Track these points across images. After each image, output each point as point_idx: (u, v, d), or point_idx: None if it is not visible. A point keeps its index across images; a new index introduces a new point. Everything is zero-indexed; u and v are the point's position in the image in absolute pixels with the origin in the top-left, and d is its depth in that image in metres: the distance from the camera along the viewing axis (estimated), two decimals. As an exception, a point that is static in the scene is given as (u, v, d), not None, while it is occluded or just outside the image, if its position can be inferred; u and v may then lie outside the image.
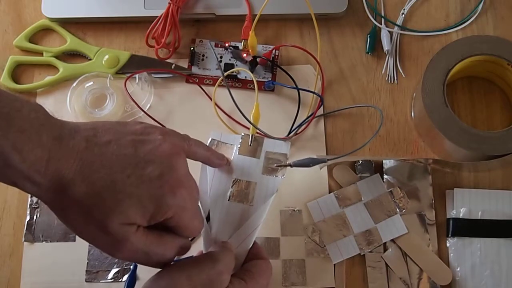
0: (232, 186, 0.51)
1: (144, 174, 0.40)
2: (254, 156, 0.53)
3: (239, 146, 0.53)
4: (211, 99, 0.62)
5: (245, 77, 0.63)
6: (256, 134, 0.54)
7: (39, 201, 0.60)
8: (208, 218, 0.51)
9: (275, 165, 0.52)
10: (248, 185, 0.51)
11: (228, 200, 0.51)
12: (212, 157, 0.50)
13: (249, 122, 0.55)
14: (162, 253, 0.43)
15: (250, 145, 0.53)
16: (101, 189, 0.39)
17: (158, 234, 0.42)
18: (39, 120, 0.38)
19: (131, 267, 0.51)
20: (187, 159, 0.45)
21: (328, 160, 0.54)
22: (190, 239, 0.47)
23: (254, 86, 0.62)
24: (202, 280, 0.43)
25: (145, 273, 0.46)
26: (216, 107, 0.61)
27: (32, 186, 0.38)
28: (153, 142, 0.42)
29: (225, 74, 0.62)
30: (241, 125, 0.61)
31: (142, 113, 0.61)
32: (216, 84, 0.62)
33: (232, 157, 0.53)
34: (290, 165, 0.53)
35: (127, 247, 0.40)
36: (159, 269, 0.44)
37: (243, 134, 0.54)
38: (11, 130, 0.37)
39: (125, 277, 0.57)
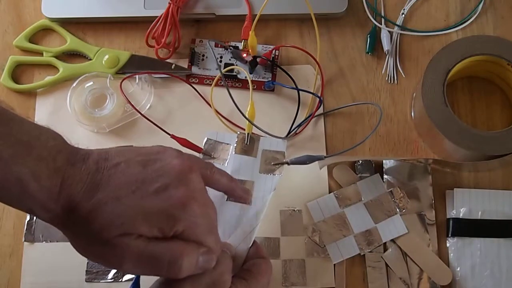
0: None
1: (151, 188, 0.39)
2: (251, 155, 0.53)
3: (235, 145, 0.53)
4: (206, 102, 0.62)
5: (245, 77, 0.63)
6: (252, 133, 0.54)
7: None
8: None
9: (272, 163, 0.53)
10: (246, 184, 0.51)
11: (227, 200, 0.51)
12: (236, 189, 0.48)
13: (245, 117, 0.55)
14: (172, 256, 0.40)
15: (246, 144, 0.53)
16: (104, 206, 0.38)
17: (167, 239, 0.40)
18: (56, 147, 0.39)
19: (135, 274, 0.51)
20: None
21: (325, 157, 0.54)
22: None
23: (254, 86, 0.63)
24: (206, 282, 0.43)
25: (148, 282, 0.46)
26: (215, 107, 0.61)
27: (47, 214, 0.39)
28: (164, 160, 0.41)
29: (223, 71, 0.62)
30: (240, 127, 0.61)
31: (142, 112, 0.61)
32: (214, 83, 0.62)
33: (228, 157, 0.53)
34: (287, 163, 0.53)
35: (129, 254, 0.39)
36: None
37: (238, 133, 0.54)
38: (30, 158, 0.37)
39: (125, 278, 0.57)
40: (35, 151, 0.38)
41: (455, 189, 0.57)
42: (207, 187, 0.45)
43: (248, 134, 0.54)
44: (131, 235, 0.39)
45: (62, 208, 0.38)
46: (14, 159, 0.37)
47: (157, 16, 0.63)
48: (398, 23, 0.65)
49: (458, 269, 0.55)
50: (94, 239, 0.38)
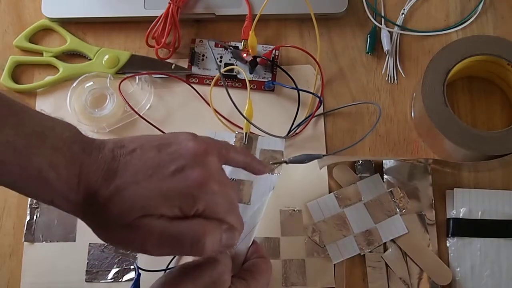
0: None
1: (167, 171, 0.40)
2: None
3: (233, 144, 0.53)
4: (206, 102, 0.62)
5: (245, 77, 0.63)
6: (251, 132, 0.54)
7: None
8: None
9: (271, 162, 0.53)
10: (244, 184, 0.51)
11: None
12: (253, 163, 0.48)
13: (243, 115, 0.55)
14: (195, 235, 0.39)
15: (244, 143, 0.54)
16: (123, 192, 0.39)
17: (188, 218, 0.40)
18: (71, 137, 0.39)
19: (135, 275, 0.51)
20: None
21: (323, 155, 0.54)
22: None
23: (254, 86, 0.63)
24: (205, 282, 0.43)
25: (149, 281, 0.46)
26: (215, 107, 0.61)
27: (67, 204, 0.39)
28: (179, 144, 0.41)
29: (222, 71, 0.62)
30: (239, 127, 0.61)
31: (142, 112, 0.61)
32: (213, 83, 0.62)
33: None
34: (286, 162, 0.53)
35: (152, 235, 0.39)
36: (161, 276, 0.44)
37: (237, 132, 0.54)
38: (45, 148, 0.37)
39: (125, 278, 0.57)
40: (50, 141, 0.38)
41: (455, 189, 0.57)
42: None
43: (246, 133, 0.54)
44: (153, 216, 0.39)
45: (82, 197, 0.39)
46: (29, 149, 0.37)
47: (157, 16, 0.63)
48: (398, 23, 0.65)
49: (458, 269, 0.55)
50: (116, 224, 0.39)
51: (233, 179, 0.51)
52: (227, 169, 0.52)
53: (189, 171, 0.40)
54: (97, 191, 0.39)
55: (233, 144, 0.53)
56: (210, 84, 0.62)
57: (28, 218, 0.59)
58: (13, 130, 0.37)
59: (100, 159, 0.39)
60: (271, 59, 0.63)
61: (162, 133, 0.43)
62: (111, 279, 0.57)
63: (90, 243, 0.58)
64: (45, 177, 0.37)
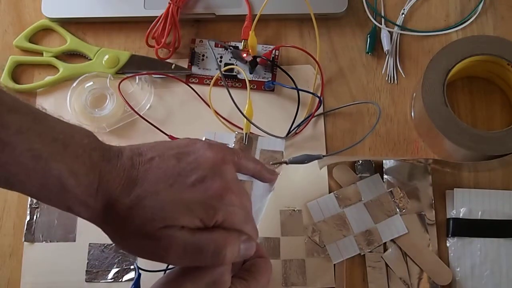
0: None
1: (188, 181, 0.40)
2: None
3: (233, 145, 0.53)
4: (205, 102, 0.62)
5: (245, 77, 0.63)
6: (251, 132, 0.54)
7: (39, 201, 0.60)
8: None
9: (271, 162, 0.52)
10: (244, 184, 0.51)
11: None
12: (263, 171, 0.49)
13: (243, 115, 0.55)
14: (216, 246, 0.40)
15: (244, 143, 0.54)
16: (144, 201, 0.39)
17: (209, 230, 0.40)
18: (90, 145, 0.39)
19: (135, 275, 0.51)
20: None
21: (323, 156, 0.54)
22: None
23: (254, 86, 0.63)
24: (206, 282, 0.43)
25: (149, 282, 0.46)
26: (214, 107, 0.61)
27: (86, 211, 0.39)
28: (197, 152, 0.42)
29: (222, 70, 0.62)
30: (239, 128, 0.60)
31: (142, 112, 0.61)
32: (212, 83, 0.62)
33: None
34: (286, 162, 0.53)
35: (175, 246, 0.39)
36: (161, 276, 0.44)
37: (236, 132, 0.54)
38: (67, 155, 0.37)
39: (125, 278, 0.57)
40: (70, 148, 0.38)
41: (455, 189, 0.57)
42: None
43: (246, 133, 0.54)
44: (175, 226, 0.39)
45: (101, 204, 0.39)
46: (53, 157, 0.37)
47: (157, 16, 0.63)
48: (398, 23, 0.65)
49: (458, 269, 0.55)
50: (136, 233, 0.39)
51: None
52: None
53: (209, 182, 0.40)
54: (117, 199, 0.39)
55: (233, 145, 0.53)
56: (210, 84, 0.62)
57: (28, 218, 0.59)
58: (38, 137, 0.37)
59: (119, 167, 0.39)
60: (271, 59, 0.63)
61: (177, 139, 0.43)
62: (111, 279, 0.57)
63: (90, 243, 0.58)
64: (65, 184, 0.37)
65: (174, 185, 0.39)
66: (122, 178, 0.39)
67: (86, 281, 0.57)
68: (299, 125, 0.61)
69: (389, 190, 0.58)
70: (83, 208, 0.39)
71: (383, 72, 0.63)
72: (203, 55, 0.65)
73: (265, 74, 0.64)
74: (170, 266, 0.56)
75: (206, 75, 0.64)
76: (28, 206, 0.60)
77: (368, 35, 0.64)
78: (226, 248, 0.40)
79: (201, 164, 0.41)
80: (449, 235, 0.56)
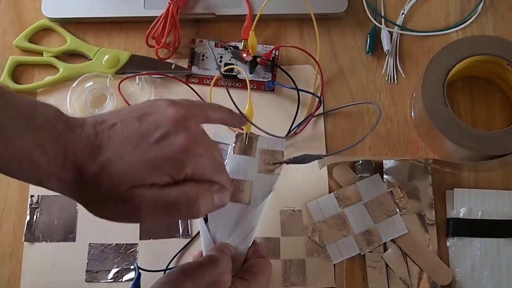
0: None
1: (151, 140, 0.40)
2: (249, 155, 0.53)
3: (233, 145, 0.53)
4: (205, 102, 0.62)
5: (245, 77, 0.63)
6: (251, 132, 0.54)
7: (39, 201, 0.60)
8: (206, 219, 0.51)
9: (272, 162, 0.52)
10: (245, 184, 0.51)
11: None
12: (231, 117, 0.49)
13: (243, 115, 0.55)
14: (188, 199, 0.40)
15: (245, 143, 0.53)
16: (110, 166, 0.39)
17: (179, 184, 0.40)
18: (54, 117, 0.39)
19: (135, 275, 0.51)
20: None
21: (323, 156, 0.54)
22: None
23: (254, 86, 0.63)
24: (206, 282, 0.43)
25: (149, 281, 0.46)
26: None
27: (56, 183, 0.39)
28: (159, 112, 0.42)
29: (222, 70, 0.62)
30: (240, 127, 0.61)
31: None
32: (212, 83, 0.62)
33: (227, 157, 0.53)
34: (286, 162, 0.53)
35: (145, 204, 0.39)
36: (161, 276, 0.44)
37: (237, 132, 0.54)
38: (31, 128, 0.37)
39: (125, 278, 0.57)
40: (34, 122, 0.38)
41: (455, 189, 0.57)
42: None
43: (246, 133, 0.54)
44: (143, 186, 0.39)
45: (70, 175, 0.39)
46: (17, 131, 0.37)
47: (157, 16, 0.63)
48: (398, 23, 0.65)
49: (458, 269, 0.55)
50: (108, 198, 0.39)
51: (233, 179, 0.51)
52: (227, 167, 0.52)
53: (173, 137, 0.40)
54: (84, 167, 0.39)
55: (233, 145, 0.53)
56: (210, 84, 0.62)
57: (28, 218, 0.59)
58: (1, 112, 0.37)
59: (83, 136, 0.39)
60: (271, 59, 0.63)
61: (139, 103, 0.44)
62: (111, 279, 0.57)
63: (90, 243, 0.58)
64: (33, 158, 0.37)
65: (138, 146, 0.39)
66: (87, 146, 0.39)
67: (86, 281, 0.57)
68: (299, 125, 0.61)
69: (389, 190, 0.58)
70: (53, 180, 0.39)
71: (383, 72, 0.63)
72: (203, 55, 0.65)
73: (265, 74, 0.64)
74: (170, 266, 0.57)
75: (206, 75, 0.64)
76: (28, 206, 0.60)
77: (368, 35, 0.64)
78: (198, 200, 0.40)
79: (163, 122, 0.41)
80: (449, 235, 0.56)
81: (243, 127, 0.55)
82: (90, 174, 0.39)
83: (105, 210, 0.40)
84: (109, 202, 0.39)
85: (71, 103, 0.62)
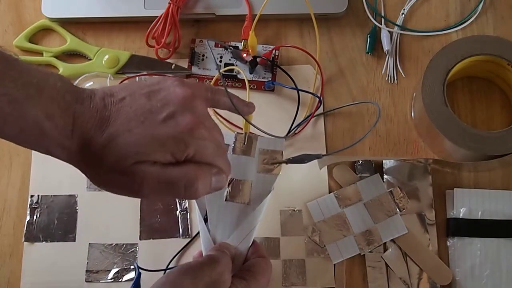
0: (228, 186, 0.51)
1: (159, 118, 0.40)
2: (249, 155, 0.53)
3: (233, 145, 0.53)
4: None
5: (244, 78, 0.63)
6: (250, 132, 0.54)
7: (39, 201, 0.60)
8: (206, 219, 0.51)
9: (271, 162, 0.52)
10: (244, 184, 0.51)
11: (225, 201, 0.51)
12: (239, 104, 0.49)
13: (242, 116, 0.55)
14: (188, 180, 0.41)
15: (244, 144, 0.53)
16: (116, 139, 0.39)
17: (180, 164, 0.41)
18: (64, 88, 0.40)
19: (135, 275, 0.51)
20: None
21: (323, 155, 0.54)
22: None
23: (254, 86, 0.63)
24: (206, 282, 0.43)
25: (149, 281, 0.46)
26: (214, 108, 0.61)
27: (63, 152, 0.39)
28: (167, 89, 0.42)
29: (222, 71, 0.62)
30: (239, 128, 0.61)
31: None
32: (212, 83, 0.62)
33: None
34: (286, 162, 0.53)
35: (147, 180, 0.40)
36: (161, 276, 0.44)
37: (236, 132, 0.54)
38: (42, 99, 0.38)
39: (125, 278, 0.57)
40: (45, 92, 0.38)
41: (455, 189, 0.57)
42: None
43: (246, 133, 0.54)
44: (146, 162, 0.40)
45: (77, 145, 0.39)
46: (28, 100, 0.38)
47: (157, 16, 0.63)
48: (398, 23, 0.65)
49: (458, 269, 0.55)
50: (111, 170, 0.39)
51: (233, 179, 0.51)
52: (231, 172, 0.52)
53: (179, 117, 0.41)
54: (91, 138, 0.39)
55: (232, 146, 0.53)
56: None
57: (28, 218, 0.59)
58: (13, 82, 0.37)
59: (92, 108, 0.40)
60: (271, 59, 0.63)
61: (149, 79, 0.44)
62: (111, 279, 0.57)
63: (90, 243, 0.58)
64: (43, 128, 0.38)
65: (145, 122, 0.40)
66: (95, 118, 0.40)
67: (86, 281, 0.57)
68: (299, 125, 0.61)
69: (389, 190, 0.58)
70: (60, 149, 0.39)
71: (383, 72, 0.63)
72: (203, 55, 0.65)
73: (265, 74, 0.64)
74: (170, 266, 0.57)
75: (206, 75, 0.64)
76: (28, 206, 0.60)
77: (368, 35, 0.64)
78: (197, 181, 0.41)
79: (171, 100, 0.41)
80: (449, 235, 0.56)
81: (243, 127, 0.55)
82: (97, 145, 0.39)
83: (107, 181, 0.41)
84: (112, 174, 0.40)
85: (71, 103, 0.62)
